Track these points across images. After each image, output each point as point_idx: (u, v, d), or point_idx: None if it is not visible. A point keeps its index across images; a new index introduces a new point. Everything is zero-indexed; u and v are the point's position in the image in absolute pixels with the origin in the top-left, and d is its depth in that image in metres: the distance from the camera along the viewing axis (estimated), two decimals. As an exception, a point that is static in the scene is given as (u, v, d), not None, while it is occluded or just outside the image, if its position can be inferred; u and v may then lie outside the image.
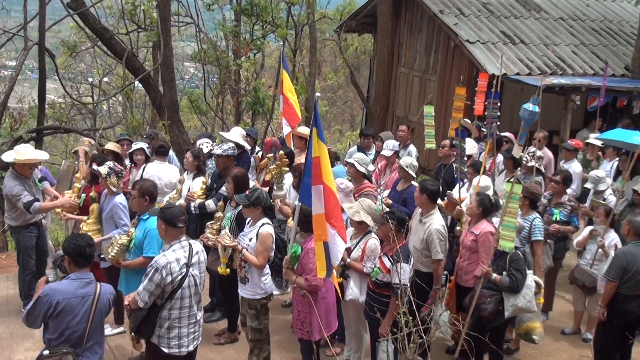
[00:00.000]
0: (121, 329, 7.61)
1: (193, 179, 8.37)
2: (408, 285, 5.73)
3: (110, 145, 9.26)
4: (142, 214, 6.57)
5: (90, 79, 23.12)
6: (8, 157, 7.96)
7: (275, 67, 19.91)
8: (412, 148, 10.33)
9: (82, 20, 14.11)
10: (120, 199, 7.23)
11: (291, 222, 6.91)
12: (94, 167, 7.32)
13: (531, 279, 6.53)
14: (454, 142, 8.88)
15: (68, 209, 7.87)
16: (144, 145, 9.25)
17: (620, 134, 10.53)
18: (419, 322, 4.55)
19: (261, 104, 15.70)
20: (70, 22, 17.39)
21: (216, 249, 6.70)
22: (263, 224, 6.32)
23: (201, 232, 7.31)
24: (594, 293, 7.66)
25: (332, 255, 5.62)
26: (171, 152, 9.96)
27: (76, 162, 9.24)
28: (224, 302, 7.89)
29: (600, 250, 7.51)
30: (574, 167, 9.79)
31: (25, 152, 7.90)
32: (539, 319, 6.94)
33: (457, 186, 8.21)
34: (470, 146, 9.66)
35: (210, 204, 7.89)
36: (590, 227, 7.98)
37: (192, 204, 7.99)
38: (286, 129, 9.34)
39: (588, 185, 8.97)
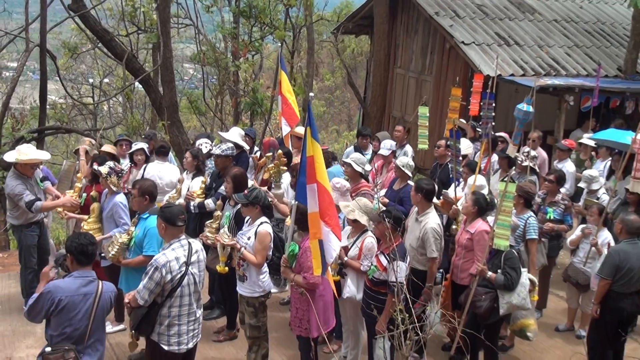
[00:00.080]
0: (122, 326, 7.59)
1: (192, 178, 8.37)
2: (404, 283, 5.73)
3: (107, 147, 9.30)
4: (142, 213, 6.57)
5: (90, 80, 23.09)
6: (10, 157, 7.95)
7: (274, 69, 19.90)
8: (408, 148, 10.34)
9: (82, 22, 14.09)
10: (121, 198, 7.23)
11: (289, 221, 6.92)
12: (95, 166, 7.32)
13: (525, 276, 6.54)
14: (448, 142, 8.90)
15: (69, 208, 7.87)
16: (144, 145, 9.25)
17: (613, 134, 10.53)
18: (415, 320, 4.55)
19: (259, 105, 15.71)
20: (71, 24, 17.39)
21: (215, 248, 6.70)
22: (261, 223, 6.32)
23: (200, 231, 7.31)
24: (588, 290, 7.68)
25: (326, 253, 5.63)
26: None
27: (77, 162, 9.24)
28: (223, 300, 7.88)
29: (593, 248, 7.52)
30: (568, 166, 9.81)
31: (27, 152, 7.90)
32: (533, 316, 6.96)
33: (452, 185, 8.22)
34: (466, 146, 9.67)
35: (209, 203, 7.89)
36: (583, 226, 7.99)
37: (192, 203, 7.99)
38: (285, 129, 9.34)
39: (581, 184, 8.97)
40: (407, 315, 4.56)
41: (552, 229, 8.01)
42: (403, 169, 8.02)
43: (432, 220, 6.90)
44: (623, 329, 6.74)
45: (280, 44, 14.41)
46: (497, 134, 10.43)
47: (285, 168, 7.91)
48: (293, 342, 6.89)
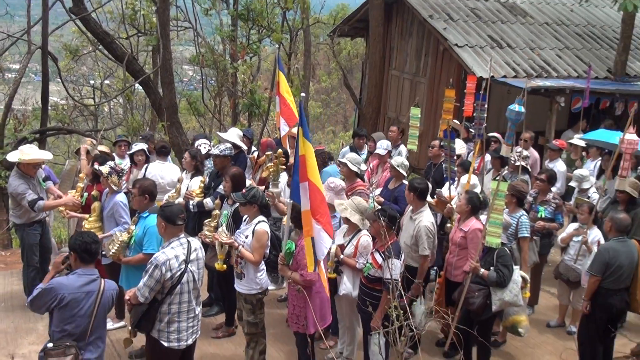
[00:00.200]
0: (122, 323, 7.60)
1: (191, 178, 8.36)
2: (399, 280, 5.74)
3: (102, 147, 9.29)
4: (142, 212, 6.56)
5: (91, 82, 23.03)
6: (13, 157, 7.95)
7: (271, 71, 19.93)
8: (402, 148, 10.33)
9: (83, 24, 14.06)
10: (121, 197, 7.22)
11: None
12: (96, 166, 7.31)
13: (518, 274, 6.55)
14: (441, 142, 8.90)
15: (71, 208, 7.86)
16: (145, 146, 9.24)
17: (602, 135, 10.57)
18: (410, 316, 4.56)
19: (257, 106, 15.70)
20: (73, 26, 17.33)
21: (214, 246, 6.69)
22: (259, 222, 6.31)
23: (199, 229, 7.30)
24: (578, 287, 7.69)
25: (317, 250, 5.63)
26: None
27: (78, 162, 9.23)
28: (221, 297, 7.88)
29: (583, 246, 7.53)
30: (559, 166, 9.83)
31: (29, 152, 7.88)
32: (525, 313, 6.97)
33: (446, 184, 8.23)
34: (459, 146, 9.67)
35: (208, 202, 7.88)
36: (574, 224, 8.01)
37: (191, 202, 7.99)
38: (284, 129, 9.32)
39: (572, 183, 8.99)
40: (402, 312, 4.56)
41: (544, 227, 8.02)
42: (398, 168, 8.02)
43: (426, 218, 6.92)
44: (613, 324, 6.76)
45: (277, 47, 14.37)
46: (490, 134, 10.44)
47: (283, 167, 7.92)
48: (290, 338, 6.89)
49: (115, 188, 7.15)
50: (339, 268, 6.60)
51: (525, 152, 9.24)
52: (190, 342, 5.62)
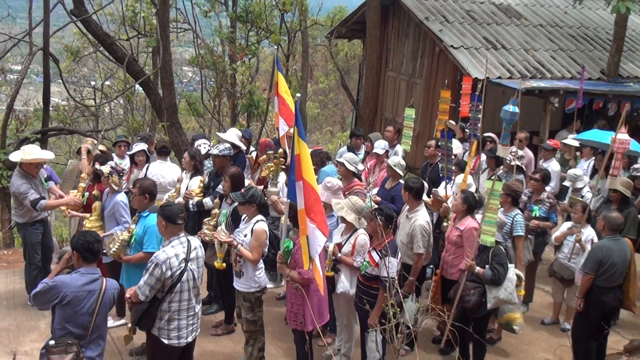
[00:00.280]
0: (123, 321, 7.59)
1: (191, 178, 8.36)
2: (396, 278, 5.74)
3: (101, 147, 9.30)
4: (142, 211, 6.56)
5: (92, 83, 22.98)
6: (15, 157, 7.95)
7: (269, 72, 19.91)
8: (398, 148, 10.34)
9: (84, 26, 14.03)
10: (122, 196, 7.21)
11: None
12: (97, 166, 7.30)
13: (512, 272, 6.55)
14: (439, 142, 8.90)
15: (72, 207, 7.85)
16: (145, 146, 9.24)
17: (596, 135, 10.58)
18: (407, 314, 4.56)
19: (256, 107, 15.68)
20: (74, 28, 17.30)
21: (213, 245, 6.69)
22: (257, 221, 6.31)
23: (199, 228, 7.29)
24: (572, 285, 7.70)
25: (311, 248, 5.63)
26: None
27: (79, 161, 9.23)
28: (221, 295, 7.87)
29: (577, 244, 7.54)
30: (553, 166, 9.84)
31: (31, 152, 7.87)
32: (520, 310, 6.98)
33: (442, 184, 8.23)
34: (455, 146, 9.68)
35: (207, 201, 7.88)
36: (568, 223, 8.01)
37: (191, 201, 7.98)
38: (284, 129, 9.29)
39: (566, 183, 8.99)
40: (399, 309, 4.57)
41: (538, 226, 8.03)
42: (395, 168, 8.02)
43: (422, 217, 6.92)
44: (606, 322, 6.77)
45: (276, 48, 14.38)
46: (485, 134, 10.45)
47: (283, 167, 7.92)
48: (288, 336, 6.89)
49: (115, 188, 7.14)
50: (336, 266, 6.60)
51: (520, 152, 9.25)
52: (190, 339, 5.62)
